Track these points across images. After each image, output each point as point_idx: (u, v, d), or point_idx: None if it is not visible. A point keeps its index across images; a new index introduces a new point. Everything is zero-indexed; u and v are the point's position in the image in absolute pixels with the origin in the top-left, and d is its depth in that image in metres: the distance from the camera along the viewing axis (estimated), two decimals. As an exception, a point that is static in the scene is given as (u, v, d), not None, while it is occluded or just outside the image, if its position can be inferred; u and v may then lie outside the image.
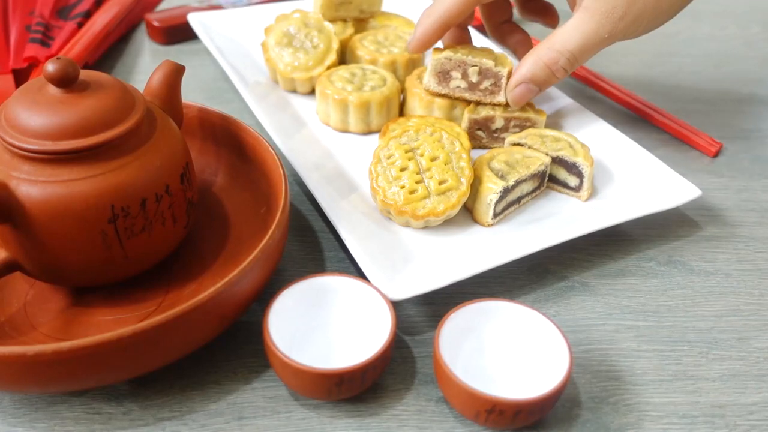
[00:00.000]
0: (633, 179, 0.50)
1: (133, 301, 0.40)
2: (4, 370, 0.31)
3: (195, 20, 0.70)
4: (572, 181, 0.49)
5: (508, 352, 0.38)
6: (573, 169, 0.48)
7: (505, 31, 0.58)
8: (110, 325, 0.39)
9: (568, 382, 0.34)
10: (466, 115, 0.53)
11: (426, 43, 0.52)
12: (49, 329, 0.39)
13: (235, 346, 0.40)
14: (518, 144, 0.50)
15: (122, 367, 0.33)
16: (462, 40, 0.57)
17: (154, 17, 0.75)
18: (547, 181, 0.50)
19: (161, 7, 0.82)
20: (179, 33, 0.75)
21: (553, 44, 0.48)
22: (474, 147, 0.54)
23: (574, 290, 0.45)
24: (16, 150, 0.34)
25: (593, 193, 0.50)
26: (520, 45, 0.57)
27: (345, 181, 0.50)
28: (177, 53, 0.73)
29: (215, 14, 0.72)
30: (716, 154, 0.59)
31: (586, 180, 0.48)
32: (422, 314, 0.42)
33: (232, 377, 0.38)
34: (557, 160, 0.49)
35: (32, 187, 0.34)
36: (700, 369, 0.40)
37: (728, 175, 0.57)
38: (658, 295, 0.45)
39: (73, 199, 0.34)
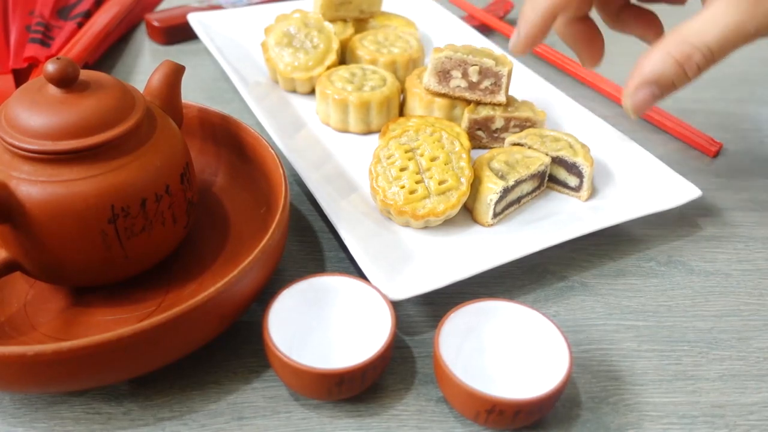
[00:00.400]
0: (633, 179, 0.50)
1: (133, 301, 0.40)
2: (4, 370, 0.31)
3: (195, 20, 0.70)
4: (572, 181, 0.49)
5: (508, 352, 0.38)
6: (573, 169, 0.48)
7: (627, 17, 0.48)
8: (110, 325, 0.39)
9: (568, 382, 0.34)
10: (466, 115, 0.53)
11: (533, 39, 0.44)
12: (49, 329, 0.39)
13: (235, 346, 0.40)
14: (518, 144, 0.50)
15: (122, 367, 0.33)
16: (590, 37, 0.49)
17: (154, 17, 0.75)
18: (547, 181, 0.50)
19: (161, 7, 0.82)
20: (179, 33, 0.75)
21: (686, 36, 0.40)
22: (474, 147, 0.54)
23: (574, 290, 0.45)
24: (16, 150, 0.34)
25: (593, 193, 0.50)
26: (651, 30, 0.48)
27: (345, 181, 0.50)
28: (177, 53, 0.73)
29: (215, 14, 0.72)
30: (716, 154, 0.59)
31: (585, 180, 0.48)
32: (422, 314, 0.42)
33: (232, 377, 0.38)
34: (557, 160, 0.49)
35: (32, 187, 0.34)
36: (700, 369, 0.40)
37: (728, 175, 0.57)
38: (658, 295, 0.45)
39: (73, 199, 0.34)
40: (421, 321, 0.42)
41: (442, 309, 0.39)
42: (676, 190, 0.48)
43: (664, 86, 0.41)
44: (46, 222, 0.34)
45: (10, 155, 0.35)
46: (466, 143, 0.49)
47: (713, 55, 0.40)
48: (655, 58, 0.40)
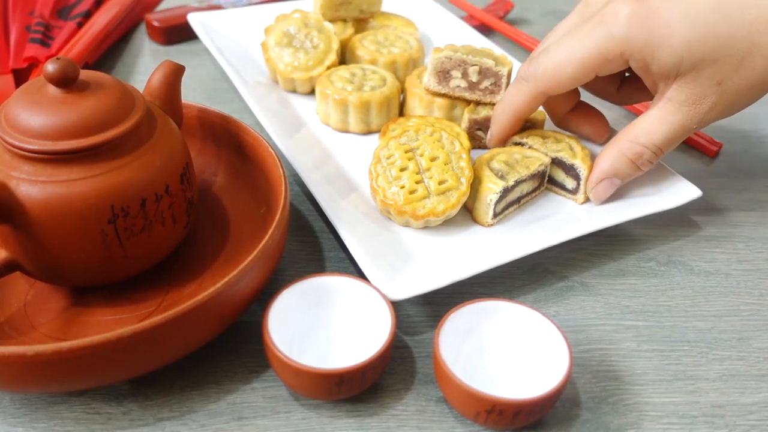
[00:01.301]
0: (633, 179, 0.50)
1: (133, 301, 0.40)
2: (4, 370, 0.31)
3: (195, 20, 0.70)
4: (569, 183, 0.49)
5: (508, 352, 0.38)
6: (571, 171, 0.48)
7: (573, 118, 0.53)
8: (110, 325, 0.39)
9: (567, 382, 0.34)
10: (466, 115, 0.53)
11: (505, 137, 0.50)
12: (49, 329, 0.39)
13: (235, 346, 0.40)
14: (519, 143, 0.50)
15: (122, 367, 0.33)
16: (586, 119, 0.53)
17: (154, 17, 0.75)
18: (548, 182, 0.50)
19: (161, 7, 0.82)
20: (179, 33, 0.75)
21: (636, 137, 0.45)
22: (474, 147, 0.54)
23: (573, 290, 0.45)
24: (16, 150, 0.34)
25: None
26: (596, 128, 0.53)
27: (345, 181, 0.50)
28: (177, 53, 0.73)
29: (215, 14, 0.72)
30: (716, 154, 0.59)
31: (582, 183, 0.48)
32: (422, 314, 0.42)
33: (231, 377, 0.38)
34: (556, 161, 0.49)
35: (32, 187, 0.34)
36: (699, 369, 0.40)
37: (728, 175, 0.57)
38: (657, 295, 0.45)
39: (73, 199, 0.34)
40: (421, 321, 0.42)
41: (442, 309, 0.39)
42: (676, 190, 0.48)
43: (621, 177, 0.46)
44: (46, 222, 0.34)
45: (10, 155, 0.35)
46: (466, 143, 0.49)
47: (661, 151, 0.45)
48: (611, 156, 0.46)
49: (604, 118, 0.53)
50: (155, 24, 0.74)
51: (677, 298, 0.45)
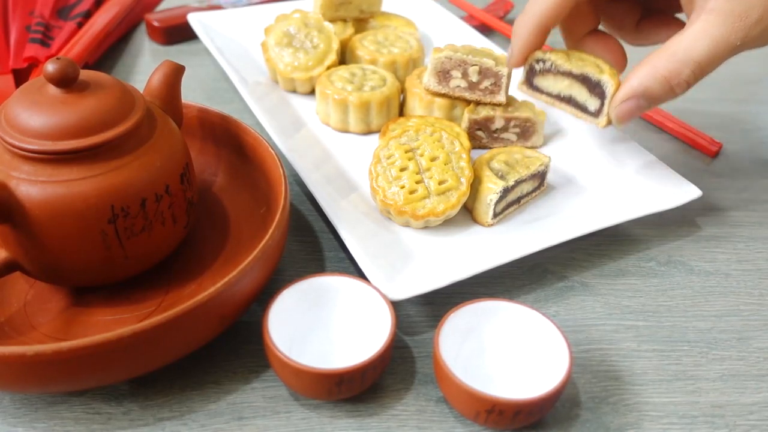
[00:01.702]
0: (633, 179, 0.50)
1: (133, 301, 0.40)
2: (4, 370, 0.31)
3: (195, 20, 0.70)
4: (592, 103, 0.46)
5: (508, 352, 0.38)
6: (596, 88, 0.45)
7: (589, 43, 0.49)
8: (110, 325, 0.39)
9: (568, 382, 0.34)
10: (466, 115, 0.53)
11: (526, 54, 0.46)
12: (49, 329, 0.39)
13: (235, 346, 0.40)
14: (541, 60, 0.47)
15: (122, 367, 0.33)
16: (606, 49, 0.48)
17: (154, 17, 0.75)
18: (567, 104, 0.48)
19: (161, 7, 0.82)
20: (179, 33, 0.75)
21: (674, 53, 0.40)
22: (474, 147, 0.54)
23: (574, 290, 0.45)
24: (16, 150, 0.34)
25: (593, 193, 0.50)
26: (611, 54, 0.48)
27: (345, 181, 0.50)
28: (177, 53, 0.73)
29: (215, 14, 0.72)
30: (716, 154, 0.59)
31: (607, 102, 0.44)
32: (422, 314, 0.42)
33: (232, 377, 0.38)
34: (580, 78, 0.45)
35: (32, 187, 0.34)
36: (700, 369, 0.40)
37: (728, 175, 0.57)
38: (658, 295, 0.45)
39: (73, 199, 0.34)
40: (421, 321, 0.42)
41: (442, 309, 0.39)
42: (676, 190, 0.48)
43: (651, 99, 0.41)
44: (46, 222, 0.34)
45: (10, 155, 0.35)
46: (466, 143, 0.49)
47: (702, 70, 0.40)
48: (644, 73, 0.41)
49: (623, 48, 0.49)
50: (155, 24, 0.74)
51: (677, 298, 0.45)
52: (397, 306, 0.42)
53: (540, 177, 0.49)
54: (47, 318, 0.39)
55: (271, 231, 0.37)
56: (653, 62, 0.40)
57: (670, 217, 0.51)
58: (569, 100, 0.47)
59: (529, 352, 0.37)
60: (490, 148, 0.55)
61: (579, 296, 0.44)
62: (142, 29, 0.78)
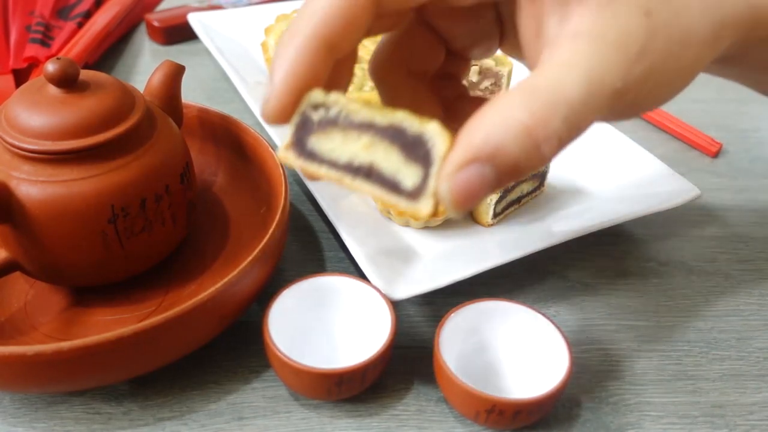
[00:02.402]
0: (633, 179, 0.50)
1: (133, 301, 0.40)
2: (4, 370, 0.31)
3: (195, 20, 0.70)
4: (408, 177, 0.25)
5: (508, 352, 0.38)
6: (415, 149, 0.25)
7: (463, 106, 0.33)
8: (110, 325, 0.39)
9: (568, 382, 0.34)
10: (466, 116, 0.53)
11: (296, 92, 0.27)
12: (49, 329, 0.39)
13: (235, 346, 0.40)
14: (322, 105, 0.27)
15: (122, 367, 0.33)
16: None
17: (154, 17, 0.75)
18: (365, 179, 0.25)
19: (161, 7, 0.82)
20: (179, 33, 0.75)
21: (534, 90, 0.23)
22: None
23: (574, 290, 0.45)
24: (16, 150, 0.34)
25: (593, 193, 0.50)
26: (461, 103, 0.33)
27: (345, 181, 0.50)
28: (177, 53, 0.73)
29: (215, 14, 0.72)
30: (716, 154, 0.59)
31: (434, 171, 0.24)
32: (422, 314, 0.42)
33: (232, 377, 0.38)
34: (388, 133, 0.25)
35: (32, 187, 0.34)
36: (700, 369, 0.40)
37: (728, 175, 0.57)
38: (658, 295, 0.45)
39: (73, 199, 0.34)
40: (421, 321, 0.42)
41: (442, 309, 0.39)
42: (676, 190, 0.48)
43: (504, 168, 0.23)
44: (46, 222, 0.34)
45: (10, 155, 0.35)
46: (466, 143, 0.48)
47: (577, 119, 0.24)
48: (490, 123, 0.23)
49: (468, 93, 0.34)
50: (155, 24, 0.74)
51: (677, 298, 0.45)
52: (397, 306, 0.42)
53: (540, 177, 0.49)
54: (47, 318, 0.39)
55: (271, 231, 0.37)
56: (501, 107, 0.23)
57: (670, 217, 0.51)
58: (368, 173, 0.26)
59: (530, 352, 0.37)
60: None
61: (579, 296, 0.44)
62: (142, 29, 0.78)
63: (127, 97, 0.37)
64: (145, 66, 0.71)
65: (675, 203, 0.47)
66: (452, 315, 0.37)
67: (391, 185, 0.25)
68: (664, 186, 0.49)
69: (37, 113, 0.35)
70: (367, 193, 0.26)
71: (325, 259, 0.46)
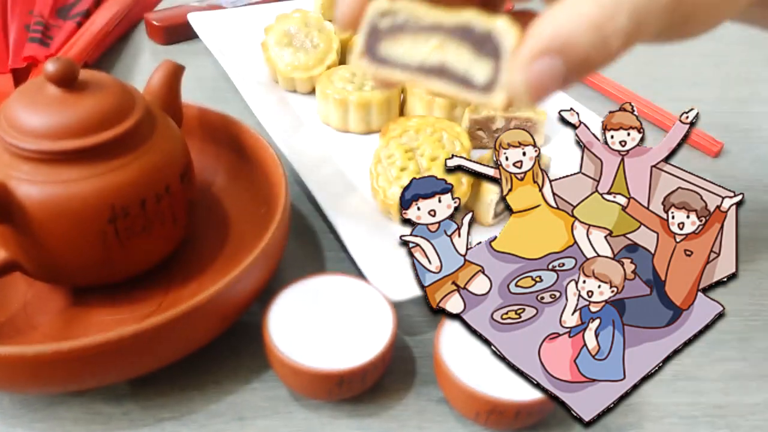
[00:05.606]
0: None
1: (133, 301, 0.40)
2: (4, 370, 0.31)
3: (195, 20, 0.70)
4: (479, 72, 0.26)
5: (508, 352, 0.38)
6: (485, 46, 0.25)
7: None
8: (110, 325, 0.39)
9: (568, 383, 0.34)
10: (467, 115, 0.53)
11: (361, 4, 0.27)
12: (49, 329, 0.38)
13: (235, 346, 0.40)
14: (388, 13, 0.27)
15: (122, 367, 0.33)
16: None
17: (154, 17, 0.74)
18: (438, 78, 0.27)
19: (161, 6, 0.82)
20: (179, 33, 0.75)
21: None
22: (474, 147, 0.54)
23: (574, 290, 0.45)
24: (16, 150, 0.34)
25: (594, 193, 0.50)
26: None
27: (345, 181, 0.50)
28: (177, 53, 0.73)
29: (215, 14, 0.72)
30: (717, 154, 0.59)
31: (505, 65, 0.25)
32: (422, 314, 0.42)
33: (232, 377, 0.38)
34: (458, 32, 0.26)
35: (32, 187, 0.34)
36: (701, 369, 0.40)
37: (728, 175, 0.57)
38: (658, 295, 0.45)
39: (73, 199, 0.34)
40: (422, 321, 0.42)
41: (443, 309, 0.39)
42: (676, 190, 0.48)
43: (574, 59, 0.24)
44: (46, 222, 0.34)
45: (10, 155, 0.35)
46: (467, 143, 0.48)
47: (639, 20, 0.24)
48: (560, 18, 0.24)
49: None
50: (155, 23, 0.74)
51: (678, 298, 0.45)
52: (397, 306, 0.42)
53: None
54: (47, 318, 0.39)
55: (271, 231, 0.37)
56: (569, 2, 0.24)
57: (671, 217, 0.51)
58: (440, 72, 0.27)
59: (530, 353, 0.37)
60: (491, 148, 0.55)
61: (579, 296, 0.44)
62: (142, 29, 0.78)
63: (127, 96, 0.37)
64: (144, 66, 0.70)
65: (675, 203, 0.47)
66: (453, 315, 0.36)
67: (464, 81, 0.26)
68: (665, 186, 0.49)
69: (37, 113, 0.34)
70: (441, 90, 0.27)
71: (325, 259, 0.46)
